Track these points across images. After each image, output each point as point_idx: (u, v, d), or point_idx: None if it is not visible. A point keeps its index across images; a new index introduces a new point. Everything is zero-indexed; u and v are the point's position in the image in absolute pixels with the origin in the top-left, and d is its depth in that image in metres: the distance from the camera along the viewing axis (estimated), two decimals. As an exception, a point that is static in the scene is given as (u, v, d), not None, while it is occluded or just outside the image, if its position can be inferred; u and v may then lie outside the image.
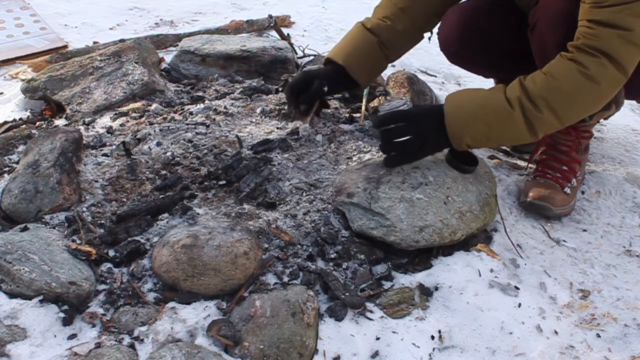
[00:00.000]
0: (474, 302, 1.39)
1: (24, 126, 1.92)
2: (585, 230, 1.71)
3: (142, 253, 1.42)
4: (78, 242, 1.44)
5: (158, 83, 2.12)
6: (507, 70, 1.57)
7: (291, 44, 2.53)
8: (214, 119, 1.87)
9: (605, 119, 1.82)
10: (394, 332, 1.31)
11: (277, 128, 1.85)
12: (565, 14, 1.43)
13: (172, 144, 1.75)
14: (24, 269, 1.31)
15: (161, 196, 1.57)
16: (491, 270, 1.48)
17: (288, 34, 2.73)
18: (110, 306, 1.32)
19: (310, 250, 1.46)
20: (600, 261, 1.60)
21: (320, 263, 1.44)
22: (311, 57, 2.49)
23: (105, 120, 1.92)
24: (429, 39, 1.83)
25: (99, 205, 1.56)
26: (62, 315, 1.28)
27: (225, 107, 1.94)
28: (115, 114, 1.95)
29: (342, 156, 1.75)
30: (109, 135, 1.82)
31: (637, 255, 1.63)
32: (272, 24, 2.77)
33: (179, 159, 1.70)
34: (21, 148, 1.78)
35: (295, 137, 1.78)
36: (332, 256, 1.45)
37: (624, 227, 1.73)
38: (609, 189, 1.86)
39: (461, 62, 1.90)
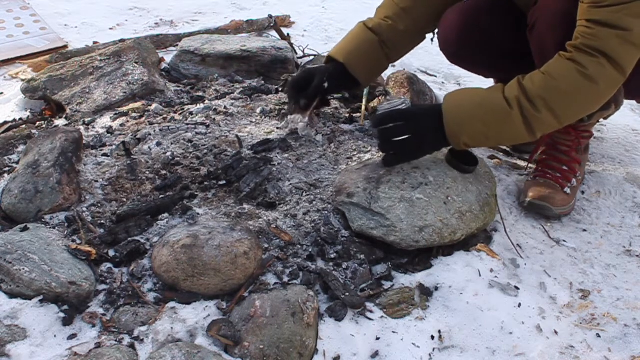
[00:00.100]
0: (474, 302, 1.39)
1: (24, 126, 1.92)
2: (585, 230, 1.71)
3: (142, 253, 1.42)
4: (78, 242, 1.44)
5: (158, 83, 2.12)
6: (507, 70, 1.57)
7: (291, 44, 2.53)
8: (214, 119, 1.87)
9: (605, 118, 1.82)
10: (394, 332, 1.31)
11: (277, 128, 1.85)
12: (564, 13, 1.44)
13: (172, 144, 1.75)
14: (24, 269, 1.31)
15: (161, 196, 1.57)
16: (491, 270, 1.48)
17: (288, 34, 2.73)
18: (110, 306, 1.32)
19: (310, 250, 1.46)
20: (600, 261, 1.60)
21: (320, 263, 1.44)
22: (311, 57, 2.49)
23: (105, 120, 1.92)
24: (432, 40, 1.83)
25: (99, 205, 1.56)
26: (62, 315, 1.28)
27: (225, 107, 1.94)
28: (115, 114, 1.95)
29: (342, 156, 1.75)
30: (109, 135, 1.82)
31: (637, 255, 1.63)
32: (272, 24, 2.77)
33: (179, 159, 1.70)
34: (21, 148, 1.78)
35: (295, 136, 1.79)
36: (332, 256, 1.45)
37: (624, 227, 1.73)
38: (609, 189, 1.86)
39: (461, 62, 1.90)
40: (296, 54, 2.49)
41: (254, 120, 1.90)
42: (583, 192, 1.83)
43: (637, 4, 1.31)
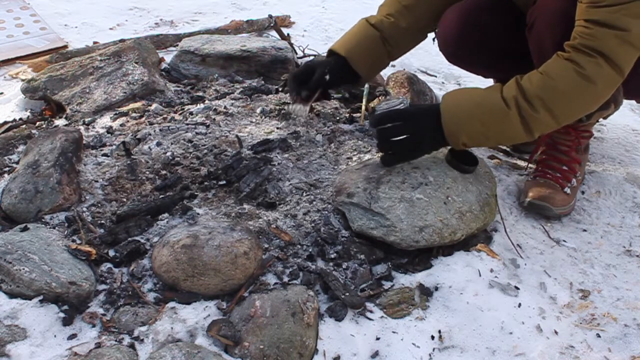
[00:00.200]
0: (474, 302, 1.39)
1: (24, 126, 1.92)
2: (585, 230, 1.71)
3: (142, 253, 1.42)
4: (78, 242, 1.44)
5: (158, 83, 2.12)
6: (507, 70, 1.57)
7: (291, 44, 2.53)
8: (214, 119, 1.87)
9: (605, 118, 1.82)
10: (394, 332, 1.31)
11: (277, 128, 1.85)
12: (562, 13, 1.44)
13: (172, 144, 1.75)
14: (24, 269, 1.31)
15: (161, 196, 1.57)
16: (491, 270, 1.48)
17: (288, 34, 2.73)
18: (110, 306, 1.32)
19: (310, 250, 1.46)
20: (600, 261, 1.60)
21: (320, 263, 1.44)
22: (311, 57, 2.49)
23: (105, 120, 1.92)
24: (433, 39, 1.83)
25: (99, 205, 1.56)
26: (62, 315, 1.28)
27: (225, 107, 1.94)
28: (115, 114, 1.95)
29: (342, 156, 1.75)
30: (109, 135, 1.82)
31: (637, 255, 1.63)
32: (272, 24, 2.77)
33: (179, 159, 1.70)
34: (21, 148, 1.78)
35: (295, 136, 1.79)
36: (332, 256, 1.45)
37: (624, 227, 1.73)
38: (609, 189, 1.86)
39: (460, 61, 1.90)
40: (296, 54, 2.49)
41: (254, 120, 1.90)
42: (583, 192, 1.83)
43: (636, 4, 1.31)
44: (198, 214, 1.51)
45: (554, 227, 1.70)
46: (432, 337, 1.32)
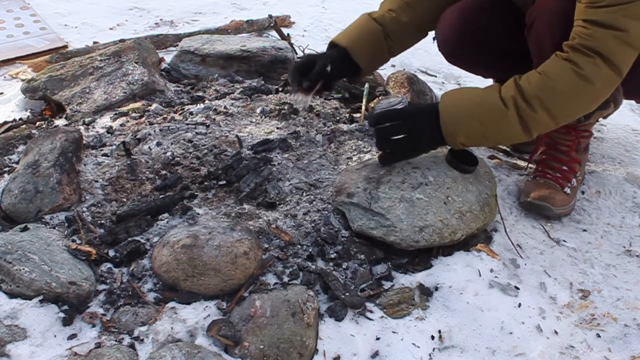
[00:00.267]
0: (474, 302, 1.39)
1: (24, 126, 1.92)
2: (585, 230, 1.71)
3: (142, 253, 1.42)
4: (78, 242, 1.44)
5: (158, 83, 2.12)
6: (507, 70, 1.57)
7: (291, 44, 2.53)
8: (214, 119, 1.87)
9: (604, 117, 1.82)
10: (394, 332, 1.31)
11: (277, 128, 1.85)
12: (561, 13, 1.44)
13: (172, 144, 1.75)
14: (24, 269, 1.31)
15: (161, 196, 1.57)
16: (491, 270, 1.48)
17: (288, 34, 2.73)
18: (110, 306, 1.32)
19: (310, 250, 1.46)
20: (600, 261, 1.60)
21: (320, 263, 1.44)
22: (311, 57, 2.48)
23: (105, 120, 1.92)
24: (434, 39, 1.83)
25: (99, 205, 1.56)
26: (62, 315, 1.28)
27: (225, 107, 1.94)
28: (115, 114, 1.95)
29: (342, 156, 1.75)
30: (109, 135, 1.82)
31: (637, 255, 1.63)
32: (272, 24, 2.77)
33: (179, 159, 1.70)
34: (21, 148, 1.78)
35: (295, 135, 1.79)
36: (332, 256, 1.45)
37: (624, 227, 1.73)
38: (609, 189, 1.86)
39: (459, 62, 1.90)
40: (296, 54, 2.49)
41: (254, 120, 1.90)
42: (583, 192, 1.83)
43: (635, 4, 1.31)
44: (198, 214, 1.51)
45: (554, 227, 1.70)
46: (432, 337, 1.32)
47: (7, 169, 1.69)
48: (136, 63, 2.13)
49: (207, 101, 2.03)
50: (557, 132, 1.75)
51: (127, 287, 1.36)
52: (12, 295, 1.31)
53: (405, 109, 1.52)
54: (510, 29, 1.68)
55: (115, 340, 1.24)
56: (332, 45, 1.76)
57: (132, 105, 2.00)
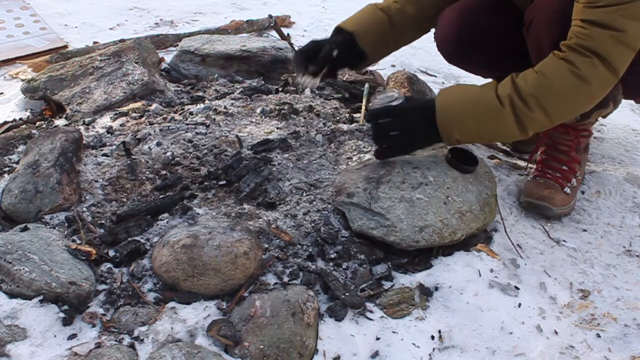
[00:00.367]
0: (474, 302, 1.39)
1: (24, 126, 1.92)
2: (585, 230, 1.71)
3: (142, 253, 1.42)
4: (78, 242, 1.44)
5: (158, 83, 2.12)
6: (506, 70, 1.56)
7: (291, 44, 2.53)
8: (214, 119, 1.87)
9: (604, 117, 1.82)
10: (394, 332, 1.31)
11: (277, 128, 1.85)
12: (559, 12, 1.44)
13: (172, 144, 1.75)
14: (24, 269, 1.31)
15: (161, 196, 1.57)
16: (491, 270, 1.48)
17: (288, 34, 2.73)
18: (110, 306, 1.32)
19: (310, 250, 1.46)
20: (600, 261, 1.60)
21: (320, 263, 1.44)
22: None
23: (105, 120, 1.92)
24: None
25: (99, 205, 1.56)
26: (62, 315, 1.28)
27: (225, 107, 1.94)
28: (115, 114, 1.95)
29: (342, 156, 1.75)
30: (109, 135, 1.82)
31: (637, 255, 1.63)
32: (272, 24, 2.77)
33: (179, 159, 1.70)
34: (21, 148, 1.78)
35: (295, 136, 1.79)
36: (332, 256, 1.45)
37: (624, 227, 1.73)
38: (609, 189, 1.86)
39: (459, 62, 1.89)
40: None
41: (254, 120, 1.90)
42: (583, 192, 1.83)
43: (633, 5, 1.32)
44: (198, 214, 1.51)
45: (554, 227, 1.70)
46: (432, 337, 1.32)
47: (7, 169, 1.69)
48: (136, 63, 2.13)
49: (207, 101, 2.03)
50: (556, 132, 1.75)
51: (127, 287, 1.36)
52: (12, 295, 1.30)
53: (401, 105, 1.52)
54: (510, 29, 1.68)
55: (115, 340, 1.24)
56: (338, 31, 1.75)
57: (132, 105, 2.00)
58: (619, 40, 1.34)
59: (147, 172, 1.66)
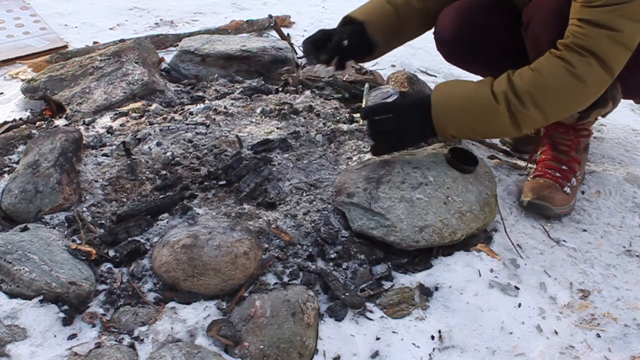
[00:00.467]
0: (474, 302, 1.39)
1: (24, 126, 1.92)
2: (585, 230, 1.71)
3: (142, 253, 1.42)
4: (78, 242, 1.44)
5: (158, 83, 2.12)
6: (505, 69, 1.57)
7: (291, 44, 2.53)
8: (214, 119, 1.87)
9: (603, 116, 1.82)
10: (394, 332, 1.31)
11: (277, 128, 1.85)
12: (557, 11, 1.44)
13: (172, 144, 1.75)
14: (24, 269, 1.31)
15: (161, 196, 1.57)
16: (491, 270, 1.48)
17: (288, 34, 2.73)
18: (110, 306, 1.32)
19: (310, 250, 1.46)
20: (600, 261, 1.60)
21: (320, 263, 1.44)
22: (311, 57, 2.49)
23: (105, 120, 1.92)
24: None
25: (99, 205, 1.56)
26: (62, 315, 1.28)
27: (225, 107, 1.94)
28: (115, 114, 1.95)
29: (342, 156, 1.75)
30: (109, 135, 1.82)
31: (637, 255, 1.63)
32: (272, 24, 2.77)
33: (179, 159, 1.70)
34: (21, 148, 1.78)
35: (295, 136, 1.79)
36: (332, 256, 1.45)
37: (624, 227, 1.73)
38: (609, 189, 1.86)
39: (458, 61, 1.90)
40: (296, 54, 2.49)
41: (254, 120, 1.90)
42: (583, 192, 1.83)
43: (629, 5, 1.32)
44: (198, 214, 1.51)
45: (554, 227, 1.70)
46: (432, 337, 1.32)
47: (7, 169, 1.69)
48: (136, 63, 2.13)
49: (207, 101, 2.03)
50: (556, 132, 1.75)
51: (127, 287, 1.36)
52: (12, 295, 1.31)
53: (396, 102, 1.53)
54: (509, 28, 1.68)
55: (115, 340, 1.24)
56: (347, 21, 1.74)
57: (132, 105, 2.00)
58: (615, 40, 1.34)
59: (147, 172, 1.66)
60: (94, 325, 1.28)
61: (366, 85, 2.05)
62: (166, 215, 1.51)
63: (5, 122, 1.95)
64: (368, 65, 2.32)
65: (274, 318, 1.25)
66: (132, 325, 1.28)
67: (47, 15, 2.82)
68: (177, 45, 2.46)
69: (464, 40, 1.74)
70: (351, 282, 1.41)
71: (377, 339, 1.30)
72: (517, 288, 1.45)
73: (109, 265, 1.40)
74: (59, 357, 1.21)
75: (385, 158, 1.63)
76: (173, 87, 2.18)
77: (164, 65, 2.35)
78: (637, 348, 1.36)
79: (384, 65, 2.47)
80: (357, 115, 1.96)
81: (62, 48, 2.51)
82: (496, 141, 2.03)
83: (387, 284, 1.43)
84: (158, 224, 1.49)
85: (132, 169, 1.66)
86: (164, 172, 1.66)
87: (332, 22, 2.96)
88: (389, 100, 1.53)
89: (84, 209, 1.54)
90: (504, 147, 2.01)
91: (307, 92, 2.08)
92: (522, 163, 1.93)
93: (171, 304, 1.32)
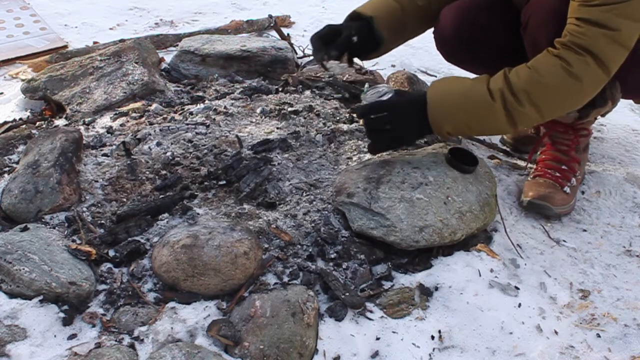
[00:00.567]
0: (474, 302, 1.39)
1: (24, 126, 1.92)
2: (585, 230, 1.71)
3: (142, 253, 1.42)
4: (78, 242, 1.44)
5: (158, 83, 2.12)
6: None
7: (291, 44, 2.53)
8: (214, 119, 1.87)
9: (602, 116, 1.82)
10: (394, 332, 1.31)
11: (277, 128, 1.85)
12: (556, 11, 1.45)
13: (172, 144, 1.75)
14: (24, 269, 1.31)
15: (161, 196, 1.57)
16: (491, 270, 1.48)
17: (288, 34, 2.73)
18: (110, 306, 1.32)
19: (310, 250, 1.46)
20: (600, 261, 1.60)
21: (320, 263, 1.44)
22: (311, 57, 2.49)
23: (105, 120, 1.92)
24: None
25: (99, 205, 1.56)
26: (62, 315, 1.28)
27: (225, 107, 1.94)
28: (115, 114, 1.95)
29: (342, 156, 1.75)
30: (109, 135, 1.82)
31: (637, 255, 1.63)
32: (272, 24, 2.77)
33: (179, 159, 1.70)
34: (21, 148, 1.78)
35: (295, 136, 1.79)
36: (332, 256, 1.45)
37: (624, 227, 1.73)
38: (609, 189, 1.86)
39: (458, 60, 1.90)
40: (296, 54, 2.49)
41: (254, 120, 1.90)
42: (583, 192, 1.83)
43: (627, 4, 1.32)
44: (198, 214, 1.51)
45: (554, 227, 1.70)
46: (432, 337, 1.32)
47: (7, 169, 1.69)
48: (136, 63, 2.13)
49: (207, 101, 2.03)
50: (556, 132, 1.75)
51: (127, 287, 1.36)
52: (12, 295, 1.31)
53: (392, 100, 1.53)
54: (509, 28, 1.68)
55: (115, 340, 1.25)
56: (353, 17, 1.72)
57: (132, 105, 2.00)
58: (612, 39, 1.35)
59: (147, 172, 1.66)
60: (94, 325, 1.28)
61: (366, 85, 2.05)
62: (166, 215, 1.51)
63: (5, 122, 1.95)
64: (368, 65, 2.32)
65: (274, 318, 1.25)
66: (132, 325, 1.28)
67: (47, 15, 2.82)
68: (177, 45, 2.46)
69: (464, 39, 1.74)
70: (351, 282, 1.41)
71: (377, 339, 1.30)
72: (517, 288, 1.45)
73: (109, 265, 1.40)
74: (59, 357, 1.21)
75: (385, 158, 1.63)
76: (173, 87, 2.18)
77: (164, 65, 2.35)
78: (637, 348, 1.36)
79: (384, 65, 2.47)
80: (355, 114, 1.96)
81: (62, 48, 2.51)
82: (496, 141, 2.03)
83: (387, 284, 1.43)
84: (158, 224, 1.49)
85: (132, 169, 1.66)
86: (164, 172, 1.66)
87: (332, 22, 2.97)
88: (385, 98, 1.54)
89: (84, 209, 1.54)
90: (504, 147, 2.01)
91: (307, 92, 2.08)
92: (522, 163, 1.93)
93: (171, 304, 1.32)
